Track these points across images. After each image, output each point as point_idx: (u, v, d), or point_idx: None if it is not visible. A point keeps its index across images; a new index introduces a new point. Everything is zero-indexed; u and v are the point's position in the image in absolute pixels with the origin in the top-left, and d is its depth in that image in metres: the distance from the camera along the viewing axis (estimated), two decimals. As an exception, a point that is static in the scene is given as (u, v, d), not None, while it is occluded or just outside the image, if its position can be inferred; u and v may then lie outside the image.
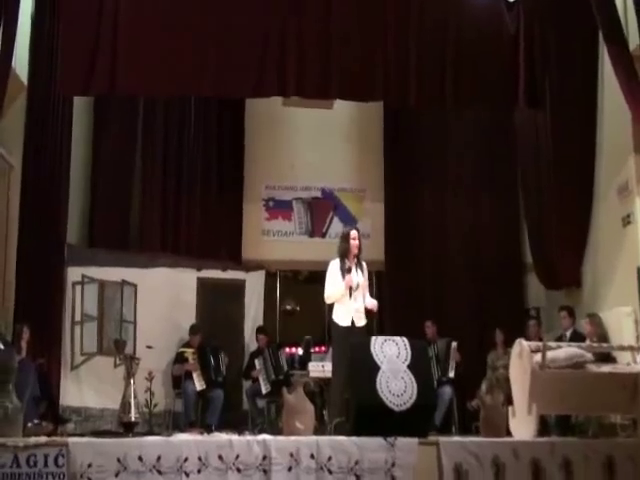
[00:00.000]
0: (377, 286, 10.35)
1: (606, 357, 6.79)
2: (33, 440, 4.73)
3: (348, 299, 6.52)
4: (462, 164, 10.80)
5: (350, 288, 6.52)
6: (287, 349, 9.56)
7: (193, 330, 9.24)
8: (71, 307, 8.91)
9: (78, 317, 8.94)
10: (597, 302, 8.51)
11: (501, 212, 10.60)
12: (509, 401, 6.00)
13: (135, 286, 9.34)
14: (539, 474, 4.83)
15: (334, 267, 6.67)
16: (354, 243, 6.64)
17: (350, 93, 8.75)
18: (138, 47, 8.01)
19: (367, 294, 6.73)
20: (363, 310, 6.61)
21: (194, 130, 10.56)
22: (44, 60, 8.45)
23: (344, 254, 6.66)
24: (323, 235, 10.86)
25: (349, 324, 6.51)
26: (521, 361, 6.04)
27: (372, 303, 6.61)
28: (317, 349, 8.88)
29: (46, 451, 4.60)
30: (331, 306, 6.71)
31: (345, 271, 6.56)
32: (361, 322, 6.57)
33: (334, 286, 6.60)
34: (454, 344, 9.04)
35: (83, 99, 9.38)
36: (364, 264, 6.75)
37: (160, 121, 10.36)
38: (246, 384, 9.49)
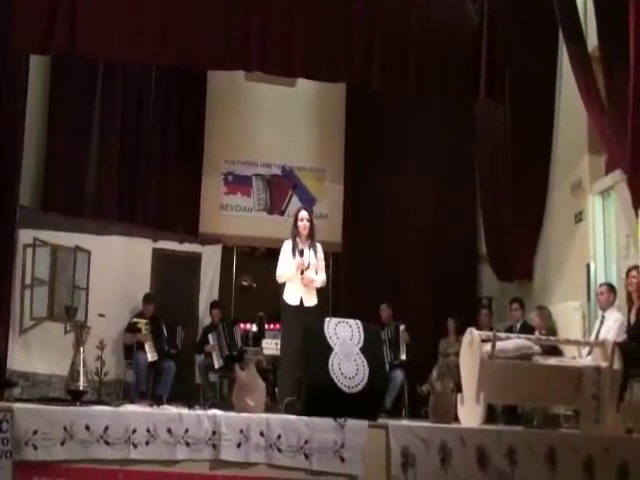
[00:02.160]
0: (333, 267, 10.36)
1: (553, 350, 6.93)
2: (-24, 404, 4.63)
3: (298, 279, 6.49)
4: (423, 151, 10.83)
5: (302, 269, 6.49)
6: (242, 325, 9.52)
7: (146, 299, 9.16)
8: (21, 270, 8.71)
9: (28, 281, 8.76)
10: (547, 295, 8.67)
11: (459, 201, 10.67)
12: (458, 388, 6.08)
13: (89, 253, 9.20)
14: (484, 461, 4.88)
15: (286, 247, 6.66)
16: (302, 224, 6.62)
17: (313, 73, 8.72)
18: (99, 6, 7.85)
19: (322, 273, 6.68)
20: (314, 290, 6.60)
21: (154, 98, 10.44)
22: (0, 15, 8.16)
23: (294, 235, 6.66)
24: (282, 213, 10.85)
25: (297, 303, 6.50)
26: (471, 350, 6.10)
27: (309, 278, 6.50)
28: (272, 326, 8.89)
29: (-11, 416, 4.48)
30: (284, 284, 6.70)
31: (297, 252, 6.54)
32: (310, 302, 6.55)
33: (285, 266, 6.59)
34: (402, 327, 9.12)
35: (40, 59, 9.13)
36: (318, 245, 6.72)
37: (120, 87, 10.19)
38: (199, 358, 9.45)
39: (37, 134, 9.58)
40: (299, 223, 6.64)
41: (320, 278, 6.64)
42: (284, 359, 6.51)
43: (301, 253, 6.52)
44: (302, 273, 6.46)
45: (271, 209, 10.88)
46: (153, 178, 10.29)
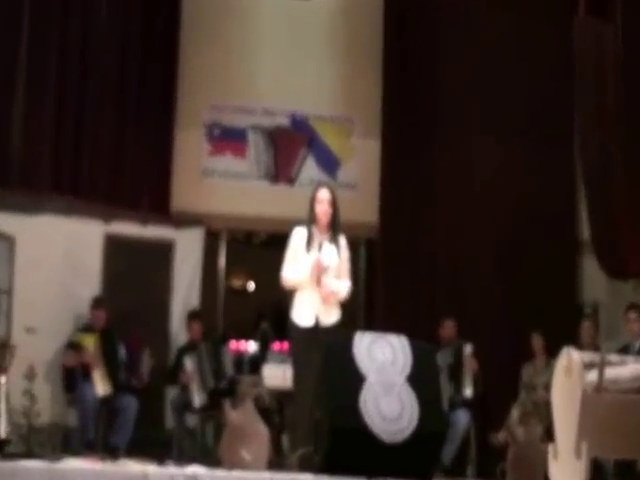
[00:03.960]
0: (366, 260, 10.41)
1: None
2: None
3: (313, 285, 6.55)
4: (495, 95, 10.79)
5: (318, 273, 6.52)
6: (233, 344, 9.54)
7: (97, 304, 9.17)
8: None
9: None
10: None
11: (548, 167, 10.63)
12: (550, 436, 6.06)
13: (12, 239, 9.19)
14: (589, 541, 4.88)
15: (298, 238, 6.72)
16: (321, 209, 6.67)
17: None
18: None
19: (344, 278, 6.72)
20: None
21: (106, 19, 10.44)
22: None
23: (311, 222, 6.72)
24: (291, 181, 10.83)
25: (311, 324, 6.55)
26: (569, 379, 6.07)
27: (329, 290, 6.54)
28: (277, 345, 8.86)
29: None
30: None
31: (313, 246, 6.61)
32: (330, 318, 6.60)
33: (294, 265, 6.65)
34: (468, 348, 9.12)
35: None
36: (342, 239, 6.76)
37: (57, 6, 10.16)
38: (171, 392, 9.49)
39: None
40: (317, 206, 6.69)
41: (344, 287, 6.69)
42: (297, 396, 6.57)
43: (319, 247, 6.56)
44: (319, 279, 6.50)
45: (275, 176, 10.85)
46: (104, 134, 10.29)
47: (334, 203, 6.71)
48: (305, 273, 6.57)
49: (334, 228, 6.71)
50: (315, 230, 6.69)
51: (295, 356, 6.72)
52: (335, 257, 6.64)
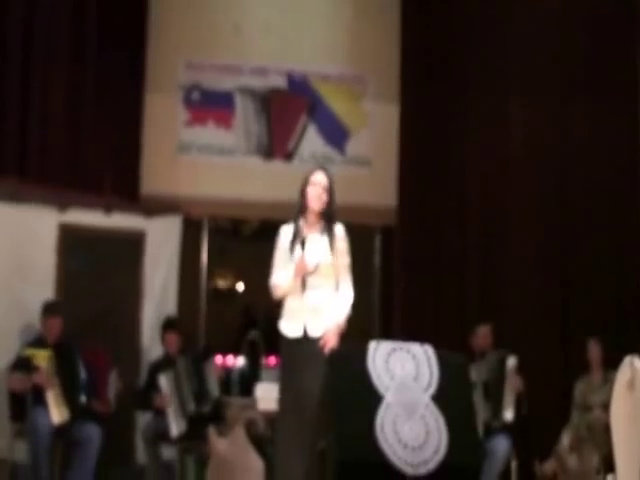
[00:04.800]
0: (382, 253, 10.46)
1: None
2: None
3: (300, 292, 6.58)
4: (539, 48, 10.84)
5: (303, 275, 6.55)
6: (218, 358, 9.52)
7: (50, 310, 9.09)
8: None
9: None
10: None
11: (605, 137, 10.68)
12: (608, 466, 6.12)
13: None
14: None
15: (285, 237, 6.76)
16: (314, 193, 6.68)
17: None
18: None
19: (346, 281, 6.72)
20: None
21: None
22: None
23: (300, 212, 6.75)
24: (288, 156, 10.89)
25: (299, 334, 6.57)
26: (633, 396, 6.08)
27: (333, 332, 6.49)
28: (272, 359, 8.85)
29: None
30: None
31: (297, 243, 6.63)
32: (322, 329, 6.56)
33: (283, 269, 6.66)
34: (512, 361, 9.14)
35: None
36: (339, 228, 6.77)
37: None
38: (143, 418, 9.52)
39: None
40: (309, 189, 6.70)
41: (345, 298, 6.66)
42: (284, 424, 6.51)
43: (302, 243, 6.58)
44: (304, 283, 6.53)
45: (269, 150, 10.92)
46: (56, 103, 10.30)
47: (330, 189, 6.71)
48: (289, 278, 6.58)
49: (329, 217, 6.71)
50: (302, 222, 6.71)
51: (283, 371, 6.74)
52: (326, 251, 6.62)
